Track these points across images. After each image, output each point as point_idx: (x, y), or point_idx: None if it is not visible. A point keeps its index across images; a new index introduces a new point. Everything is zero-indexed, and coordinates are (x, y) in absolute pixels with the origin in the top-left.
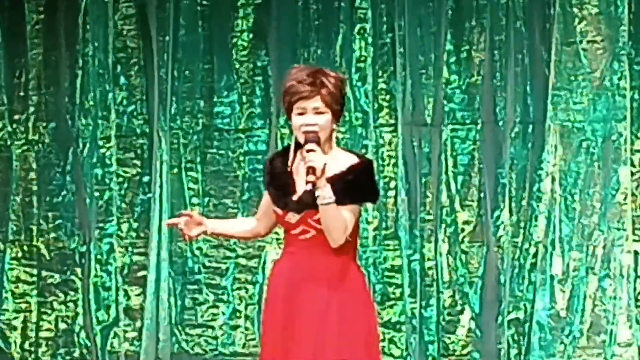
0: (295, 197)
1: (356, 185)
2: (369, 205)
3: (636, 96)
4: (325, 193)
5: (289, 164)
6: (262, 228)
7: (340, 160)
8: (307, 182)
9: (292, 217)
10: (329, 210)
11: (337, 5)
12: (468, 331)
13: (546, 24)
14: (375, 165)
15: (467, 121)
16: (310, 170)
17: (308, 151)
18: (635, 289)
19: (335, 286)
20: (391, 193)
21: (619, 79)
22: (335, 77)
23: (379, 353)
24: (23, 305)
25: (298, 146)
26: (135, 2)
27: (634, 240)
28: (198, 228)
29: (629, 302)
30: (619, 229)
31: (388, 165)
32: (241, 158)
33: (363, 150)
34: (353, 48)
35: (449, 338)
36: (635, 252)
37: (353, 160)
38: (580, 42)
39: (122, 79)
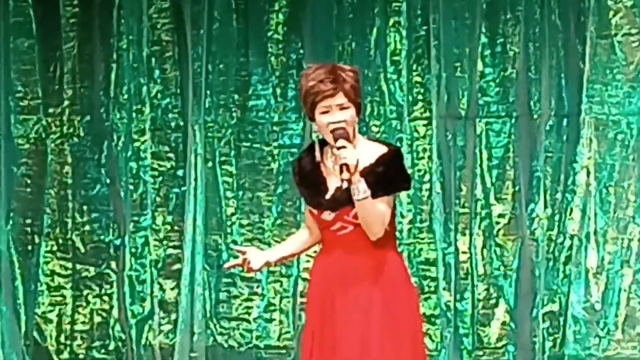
0: (328, 196)
1: (387, 176)
2: (404, 194)
3: None
4: (360, 188)
5: (317, 162)
6: (315, 235)
7: (368, 152)
8: (342, 180)
9: (328, 215)
10: (365, 204)
11: None
12: (503, 324)
13: (581, 17)
14: (402, 151)
15: (502, 114)
16: (345, 167)
17: (339, 148)
18: None
19: (377, 278)
20: (426, 186)
21: None
22: (351, 70)
23: (423, 342)
24: (58, 299)
25: (322, 144)
26: None
27: None
28: (259, 261)
29: None
30: None
31: (423, 158)
32: (275, 151)
33: (398, 144)
34: (387, 41)
35: (484, 331)
36: None
37: (381, 150)
38: (615, 35)
39: (157, 73)
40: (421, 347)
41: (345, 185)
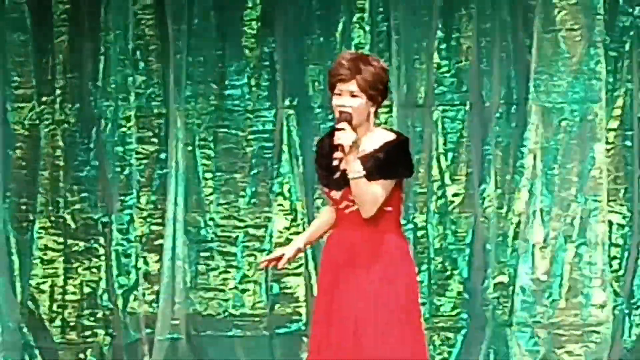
0: (336, 175)
1: (388, 162)
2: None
3: (610, 79)
4: (354, 168)
5: (333, 144)
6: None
7: (376, 139)
8: (334, 159)
9: (335, 193)
10: (359, 184)
11: None
12: (457, 294)
13: (528, 14)
14: (409, 142)
15: (456, 102)
16: (340, 147)
17: (338, 130)
18: (609, 255)
19: (376, 254)
20: None
21: (595, 63)
22: (375, 65)
23: (419, 318)
24: (51, 271)
25: None
26: None
27: (609, 211)
28: (291, 250)
29: (604, 267)
30: (594, 201)
31: None
32: (250, 137)
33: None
34: (352, 36)
35: (440, 300)
36: (610, 222)
37: (388, 138)
38: (560, 30)
39: (141, 64)
40: (418, 323)
41: (335, 163)
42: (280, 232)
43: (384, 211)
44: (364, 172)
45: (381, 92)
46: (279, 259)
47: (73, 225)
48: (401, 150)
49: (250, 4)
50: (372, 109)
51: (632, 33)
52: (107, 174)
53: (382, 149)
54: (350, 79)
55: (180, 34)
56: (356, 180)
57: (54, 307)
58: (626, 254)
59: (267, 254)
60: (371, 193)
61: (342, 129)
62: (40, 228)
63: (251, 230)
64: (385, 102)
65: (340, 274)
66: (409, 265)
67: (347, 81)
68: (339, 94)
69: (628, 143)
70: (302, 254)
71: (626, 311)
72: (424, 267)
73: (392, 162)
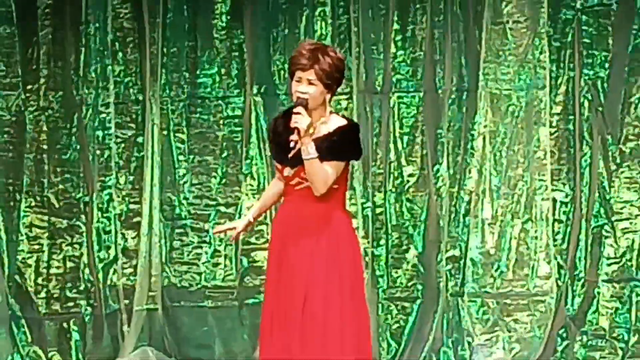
0: (290, 155)
1: (339, 145)
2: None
3: (554, 68)
4: (308, 150)
5: (289, 125)
6: None
7: (330, 124)
8: (290, 140)
9: (288, 171)
10: (313, 164)
11: None
12: (412, 267)
13: (478, 7)
14: (359, 128)
15: (411, 90)
16: (295, 130)
17: (295, 114)
18: (553, 230)
19: (324, 228)
20: None
21: (540, 53)
22: (332, 56)
23: (363, 285)
24: (36, 247)
25: None
26: None
27: (552, 190)
28: (242, 223)
29: (548, 242)
30: (539, 180)
31: None
32: (220, 122)
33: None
34: (314, 28)
35: (397, 272)
36: (554, 200)
37: (341, 123)
38: (507, 22)
39: (120, 55)
40: (362, 292)
41: (292, 145)
42: (248, 209)
43: (332, 189)
44: (317, 154)
45: (337, 81)
46: (231, 229)
47: (57, 205)
48: (352, 135)
49: None
50: (328, 96)
51: (573, 25)
52: (88, 156)
53: (335, 133)
54: (309, 68)
55: (155, 26)
56: (310, 161)
57: (39, 281)
58: (569, 229)
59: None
60: (323, 173)
61: (299, 113)
62: (26, 207)
63: (222, 209)
64: (346, 89)
65: (290, 245)
66: (354, 238)
67: (306, 70)
68: (298, 81)
69: (570, 127)
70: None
71: (569, 282)
72: (382, 242)
73: (344, 146)
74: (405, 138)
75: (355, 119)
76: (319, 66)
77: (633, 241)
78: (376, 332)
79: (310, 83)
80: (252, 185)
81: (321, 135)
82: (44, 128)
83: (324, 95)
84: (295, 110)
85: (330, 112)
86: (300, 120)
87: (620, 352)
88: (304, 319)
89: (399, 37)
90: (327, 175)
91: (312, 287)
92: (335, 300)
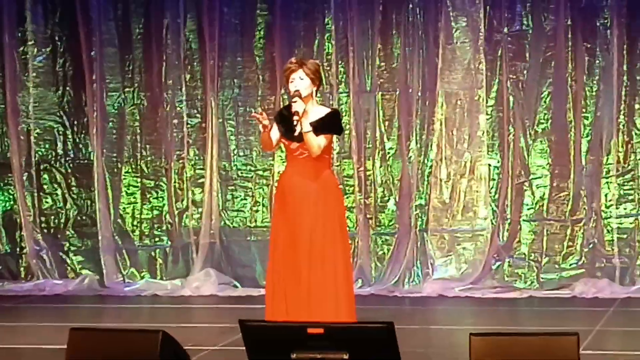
0: (296, 133)
1: (328, 123)
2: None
3: (489, 74)
4: (306, 126)
5: (293, 112)
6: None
7: (319, 111)
8: (293, 120)
9: (294, 145)
10: (309, 136)
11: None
12: (392, 212)
13: (436, 32)
14: (340, 113)
15: (391, 90)
16: (295, 113)
17: (294, 102)
18: (489, 186)
19: (319, 182)
20: (347, 131)
21: (479, 64)
22: (312, 62)
23: (347, 229)
24: (132, 200)
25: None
26: None
27: (488, 158)
28: (268, 122)
29: (485, 194)
30: (479, 152)
31: (344, 115)
32: (259, 109)
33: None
34: (324, 47)
35: (381, 215)
36: (489, 165)
37: (327, 110)
38: (456, 42)
39: (189, 67)
40: (345, 232)
41: (295, 122)
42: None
43: (323, 157)
44: (311, 128)
45: (319, 77)
46: (262, 121)
47: (146, 170)
48: (336, 117)
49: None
50: (314, 90)
51: (502, 44)
52: (167, 137)
53: (326, 116)
54: (298, 68)
55: (213, 46)
56: (308, 134)
57: (134, 223)
58: (499, 184)
59: (271, 189)
60: (317, 141)
61: (296, 101)
62: (125, 172)
63: (260, 172)
64: (346, 90)
65: (296, 190)
66: (340, 191)
67: (296, 70)
68: (292, 81)
69: (500, 114)
70: None
71: (500, 222)
72: (371, 194)
73: (331, 124)
74: (387, 123)
75: (351, 111)
76: (305, 66)
77: (544, 193)
78: (368, 257)
79: (301, 78)
80: (281, 157)
81: (316, 119)
82: (137, 117)
83: (311, 88)
84: (293, 100)
85: (318, 104)
86: (297, 106)
87: (535, 269)
88: (309, 270)
89: (382, 54)
90: (320, 144)
91: (315, 234)
92: (333, 253)
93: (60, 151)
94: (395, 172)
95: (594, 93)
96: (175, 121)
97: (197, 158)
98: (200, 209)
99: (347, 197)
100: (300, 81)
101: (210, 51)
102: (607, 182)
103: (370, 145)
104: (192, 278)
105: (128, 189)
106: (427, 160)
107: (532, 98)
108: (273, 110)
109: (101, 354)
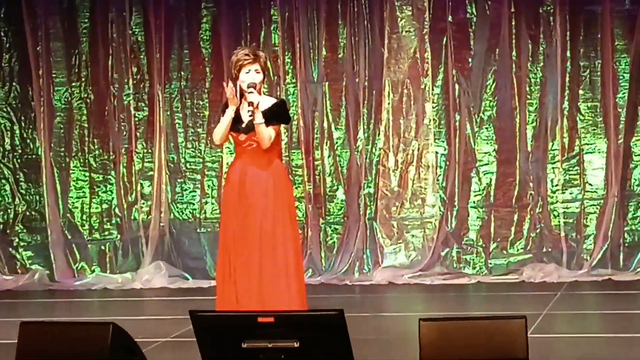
0: (243, 125)
1: (277, 114)
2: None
3: (434, 62)
4: (258, 117)
5: (248, 103)
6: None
7: (267, 101)
8: (249, 111)
9: (242, 136)
10: (261, 127)
11: None
12: (341, 201)
13: (382, 22)
14: (287, 103)
15: (338, 79)
16: (250, 104)
17: (249, 93)
18: (436, 173)
19: (269, 171)
20: (294, 122)
21: (424, 53)
22: (262, 56)
23: (296, 217)
24: (81, 194)
25: (241, 94)
26: None
27: (435, 146)
28: (235, 100)
29: (433, 181)
30: (426, 140)
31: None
32: (207, 104)
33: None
34: (271, 39)
35: (330, 205)
36: (436, 152)
37: (274, 100)
38: (401, 32)
39: (135, 61)
40: (295, 221)
41: (250, 114)
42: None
43: (272, 147)
44: (263, 120)
45: (268, 71)
46: (233, 94)
47: (94, 164)
48: (284, 108)
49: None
50: (263, 82)
51: (447, 33)
52: (115, 131)
53: (274, 106)
54: (255, 62)
55: (159, 40)
56: (260, 126)
57: (84, 217)
58: (446, 172)
59: (218, 182)
60: (268, 132)
61: (252, 92)
62: (74, 166)
63: (209, 164)
64: (293, 80)
65: (248, 181)
66: (289, 179)
67: (252, 63)
68: (248, 72)
69: (446, 102)
70: None
71: (448, 209)
72: (320, 183)
73: (280, 115)
74: (335, 112)
75: (299, 101)
76: (259, 61)
77: (490, 180)
78: (318, 246)
79: (257, 72)
80: (229, 148)
81: (264, 110)
82: (84, 112)
83: (263, 81)
84: (249, 91)
85: (265, 94)
86: (253, 97)
87: (483, 255)
88: (260, 258)
89: (328, 44)
90: (270, 134)
91: (265, 233)
92: (284, 241)
93: (7, 147)
94: (343, 161)
95: (538, 80)
96: (123, 115)
97: (145, 151)
98: (149, 202)
99: (297, 188)
100: (256, 74)
101: (156, 44)
102: (552, 168)
103: (319, 135)
104: (142, 271)
105: (77, 184)
106: (375, 149)
107: (478, 85)
108: (219, 102)
109: (52, 347)
